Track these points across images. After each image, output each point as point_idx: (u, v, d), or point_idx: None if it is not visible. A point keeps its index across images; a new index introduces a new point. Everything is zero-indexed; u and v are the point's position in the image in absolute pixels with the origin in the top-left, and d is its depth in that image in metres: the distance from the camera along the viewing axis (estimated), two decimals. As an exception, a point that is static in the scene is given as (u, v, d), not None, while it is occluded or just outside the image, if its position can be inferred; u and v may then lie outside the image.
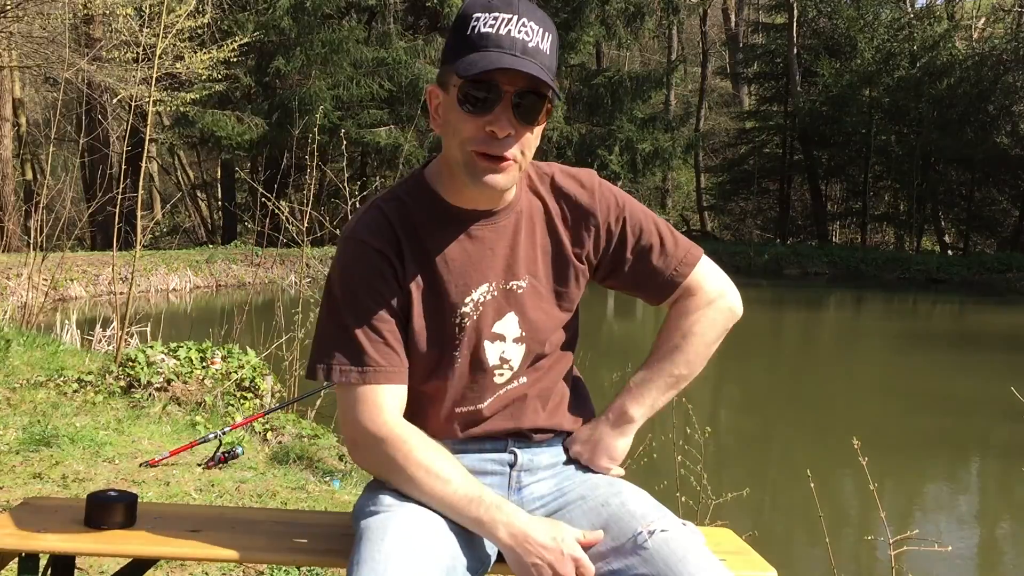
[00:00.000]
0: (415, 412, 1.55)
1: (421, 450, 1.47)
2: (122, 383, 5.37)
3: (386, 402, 1.50)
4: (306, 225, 6.82)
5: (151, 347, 5.74)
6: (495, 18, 1.40)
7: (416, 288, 1.53)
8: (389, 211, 1.54)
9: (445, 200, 1.54)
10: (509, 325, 1.57)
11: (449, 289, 1.53)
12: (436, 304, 1.54)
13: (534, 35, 1.42)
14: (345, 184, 6.54)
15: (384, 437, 1.48)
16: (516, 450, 1.62)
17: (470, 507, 1.42)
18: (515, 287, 1.56)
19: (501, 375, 1.58)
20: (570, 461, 1.68)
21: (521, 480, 1.62)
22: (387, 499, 1.49)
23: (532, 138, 1.46)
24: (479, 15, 1.41)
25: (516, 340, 1.58)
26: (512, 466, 1.62)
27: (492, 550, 1.53)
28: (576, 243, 1.60)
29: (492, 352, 1.57)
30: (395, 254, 1.52)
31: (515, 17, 1.40)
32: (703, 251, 1.66)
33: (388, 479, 1.50)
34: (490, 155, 1.43)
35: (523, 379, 1.60)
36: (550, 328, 1.60)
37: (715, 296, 1.65)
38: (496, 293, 1.56)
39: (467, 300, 1.54)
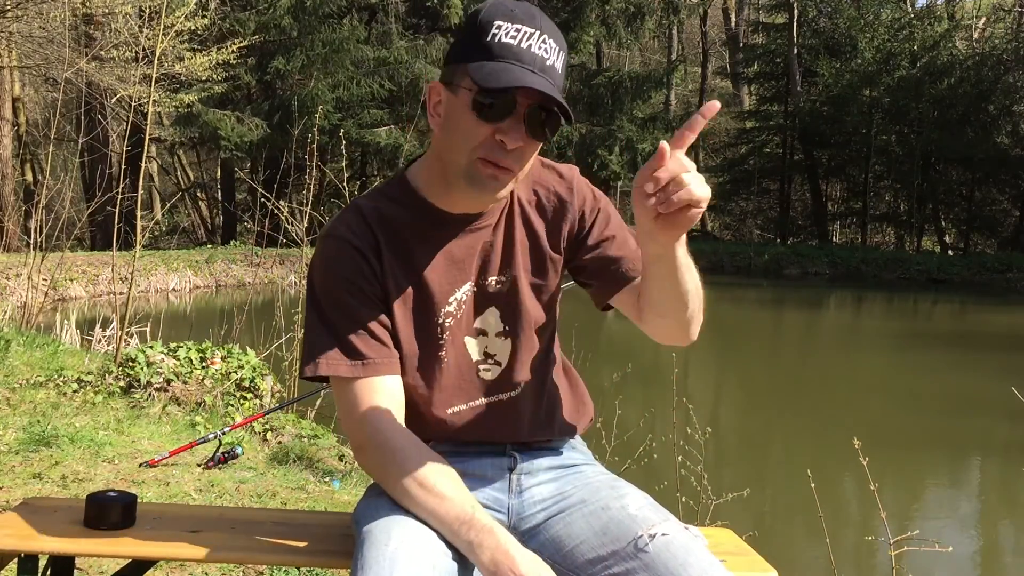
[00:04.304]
0: (409, 415, 1.53)
1: (417, 464, 1.44)
2: (122, 383, 5.36)
3: (382, 402, 1.48)
4: (306, 225, 6.82)
5: (151, 347, 5.74)
6: (517, 30, 1.38)
7: (397, 288, 1.52)
8: (368, 211, 1.53)
9: (429, 202, 1.52)
10: (491, 320, 1.57)
11: (433, 289, 1.53)
12: (419, 304, 1.53)
13: (551, 54, 1.40)
14: (345, 184, 6.53)
15: (381, 444, 1.46)
16: (515, 453, 1.62)
17: (460, 528, 1.40)
18: (496, 282, 1.56)
19: (488, 370, 1.58)
20: (571, 463, 1.67)
21: (521, 483, 1.61)
22: (390, 502, 1.48)
23: (534, 152, 1.46)
24: (501, 23, 1.38)
25: (499, 335, 1.57)
26: (512, 470, 1.61)
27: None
28: (552, 233, 1.59)
29: (475, 347, 1.57)
30: (374, 253, 1.51)
31: (537, 32, 1.39)
32: None
33: (385, 489, 1.48)
34: (494, 163, 1.41)
35: (514, 375, 1.59)
36: (534, 321, 1.60)
37: None
38: (477, 289, 1.56)
39: (451, 300, 1.54)
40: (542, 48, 1.39)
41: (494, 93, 1.37)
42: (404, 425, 1.50)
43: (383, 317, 1.51)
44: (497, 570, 1.34)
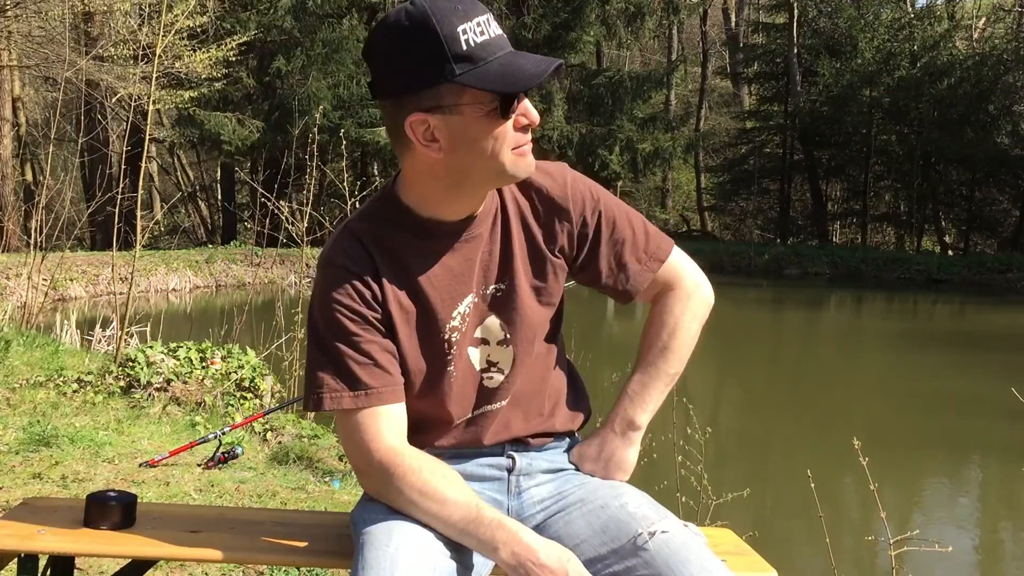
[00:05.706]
0: (413, 427, 1.53)
1: (417, 476, 1.44)
2: (122, 383, 5.37)
3: (383, 426, 1.47)
4: (306, 225, 6.82)
5: (151, 347, 5.74)
6: (478, 24, 1.37)
7: (400, 309, 1.50)
8: (363, 234, 1.51)
9: (421, 216, 1.50)
10: (491, 328, 1.56)
11: (436, 306, 1.51)
12: (424, 322, 1.52)
13: (500, 24, 1.43)
14: (345, 184, 6.53)
15: (381, 462, 1.46)
16: (514, 454, 1.62)
17: (468, 528, 1.40)
18: (495, 290, 1.55)
19: (491, 379, 1.57)
20: (570, 463, 1.67)
21: (520, 484, 1.61)
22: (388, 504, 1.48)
23: None
24: (462, 26, 1.36)
25: (500, 343, 1.56)
26: (511, 471, 1.61)
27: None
28: (550, 238, 1.57)
29: (477, 357, 1.56)
30: (373, 278, 1.49)
31: (488, 16, 1.39)
32: (674, 242, 1.66)
33: (389, 503, 1.48)
34: (523, 145, 1.44)
35: (515, 382, 1.59)
36: (534, 327, 1.59)
37: (692, 289, 1.66)
38: (478, 299, 1.54)
39: (454, 314, 1.53)
40: (495, 25, 1.40)
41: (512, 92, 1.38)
42: (405, 443, 1.49)
43: (386, 342, 1.49)
44: (518, 563, 1.34)
